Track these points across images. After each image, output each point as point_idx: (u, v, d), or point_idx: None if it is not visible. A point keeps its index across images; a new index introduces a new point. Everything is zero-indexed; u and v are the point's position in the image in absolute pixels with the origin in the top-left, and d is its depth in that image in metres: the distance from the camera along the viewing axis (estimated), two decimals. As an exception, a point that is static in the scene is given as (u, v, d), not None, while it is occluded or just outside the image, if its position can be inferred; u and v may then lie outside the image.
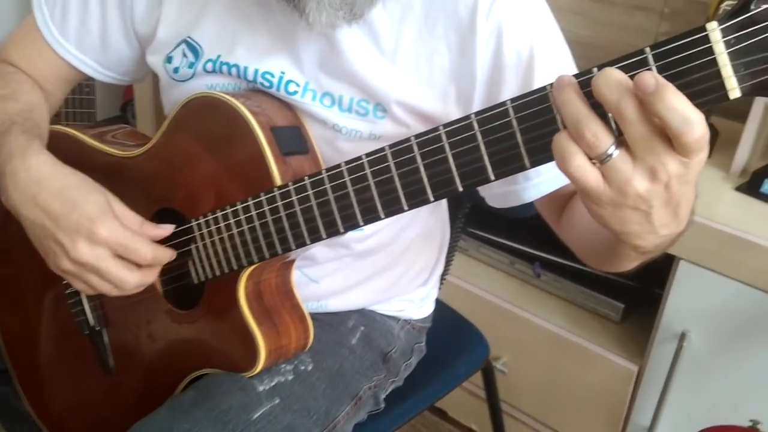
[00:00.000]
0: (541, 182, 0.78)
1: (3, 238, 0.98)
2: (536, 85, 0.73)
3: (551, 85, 0.55)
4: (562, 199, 0.80)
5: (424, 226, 0.97)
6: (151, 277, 0.79)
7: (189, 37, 0.83)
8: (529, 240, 1.52)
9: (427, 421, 1.68)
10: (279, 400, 0.80)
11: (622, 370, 1.35)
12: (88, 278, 0.76)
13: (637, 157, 0.50)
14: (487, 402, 1.31)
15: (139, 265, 0.77)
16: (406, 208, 0.65)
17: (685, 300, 1.23)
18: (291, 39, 0.79)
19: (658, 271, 1.26)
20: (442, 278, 1.26)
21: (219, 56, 0.81)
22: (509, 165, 0.59)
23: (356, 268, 0.93)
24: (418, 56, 0.77)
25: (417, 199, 0.64)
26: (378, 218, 0.67)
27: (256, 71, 0.80)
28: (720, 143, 1.40)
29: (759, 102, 1.25)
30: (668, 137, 0.49)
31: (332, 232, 0.70)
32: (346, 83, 0.78)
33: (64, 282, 0.87)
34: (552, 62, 0.75)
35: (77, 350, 0.93)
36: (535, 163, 0.58)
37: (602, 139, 0.51)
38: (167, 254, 0.79)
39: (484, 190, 0.85)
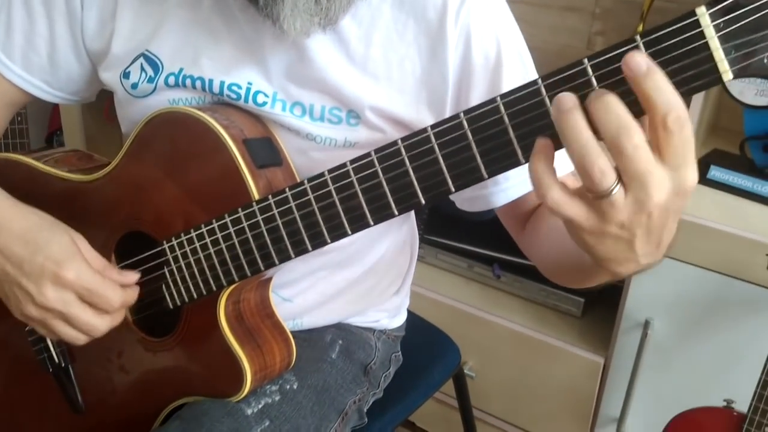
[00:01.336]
0: (509, 187, 0.78)
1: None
2: (504, 88, 0.74)
3: (541, 79, 0.55)
4: (526, 210, 0.80)
5: (397, 236, 0.96)
6: (118, 319, 0.76)
7: (147, 50, 0.79)
8: (487, 242, 1.52)
9: (396, 432, 1.66)
10: (269, 422, 0.77)
11: (588, 363, 1.37)
12: (53, 324, 0.73)
13: (629, 189, 0.49)
14: (459, 407, 1.30)
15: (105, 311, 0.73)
16: (396, 213, 0.64)
17: (646, 288, 1.25)
18: (257, 49, 0.76)
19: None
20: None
21: (181, 69, 0.78)
22: (502, 162, 0.59)
23: (330, 283, 0.91)
24: (389, 62, 0.76)
25: (407, 204, 0.63)
26: (367, 225, 0.65)
27: (222, 83, 0.77)
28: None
29: (698, 96, 1.29)
30: (657, 176, 0.48)
31: (318, 243, 0.68)
32: (316, 92, 0.76)
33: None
34: (517, 64, 0.76)
35: (41, 392, 0.88)
36: (529, 158, 0.57)
37: (609, 175, 0.48)
38: (133, 296, 0.76)
39: (455, 195, 0.84)
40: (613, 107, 0.48)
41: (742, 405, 1.01)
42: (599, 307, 1.45)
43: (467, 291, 1.54)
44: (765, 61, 0.51)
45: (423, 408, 1.60)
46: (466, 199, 0.83)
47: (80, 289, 0.71)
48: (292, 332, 0.87)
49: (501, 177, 0.77)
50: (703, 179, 1.29)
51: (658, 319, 1.25)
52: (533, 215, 0.80)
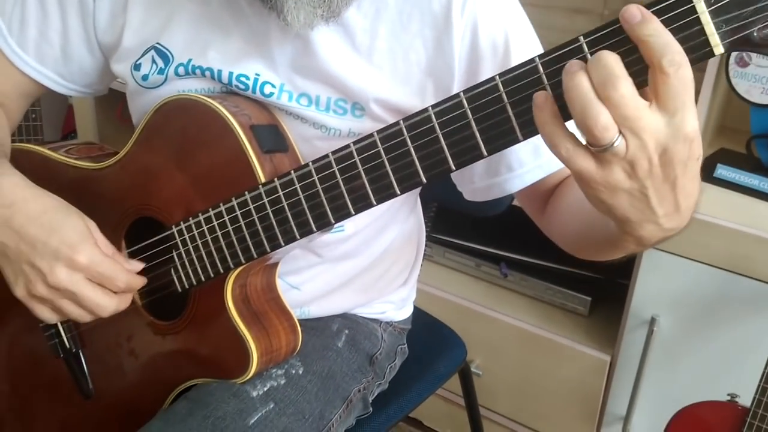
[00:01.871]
0: (525, 172, 0.79)
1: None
2: None
3: (538, 57, 0.56)
4: (545, 191, 0.81)
5: (403, 227, 0.97)
6: (125, 302, 0.77)
7: (158, 43, 0.81)
8: (494, 241, 1.53)
9: (402, 431, 1.67)
10: (273, 404, 0.78)
11: (595, 361, 1.37)
12: (60, 304, 0.74)
13: (626, 138, 0.50)
14: (465, 405, 1.31)
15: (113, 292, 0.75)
16: (398, 192, 0.65)
17: (652, 286, 1.26)
18: (264, 41, 0.78)
19: (623, 263, 1.29)
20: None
21: (190, 60, 0.80)
22: (502, 139, 0.60)
23: (337, 272, 0.92)
24: (394, 54, 0.77)
25: (408, 182, 0.64)
26: (370, 205, 0.67)
27: (231, 74, 0.79)
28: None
29: (704, 94, 1.30)
30: (649, 120, 0.50)
31: (323, 223, 0.69)
32: (321, 84, 0.78)
33: None
34: (526, 49, 0.77)
35: (52, 378, 0.89)
36: (527, 135, 0.59)
37: (610, 129, 0.50)
38: (140, 281, 0.78)
39: (463, 185, 0.86)
40: (603, 60, 0.50)
41: (747, 400, 1.01)
42: (606, 305, 1.45)
43: (475, 289, 1.54)
44: (755, 34, 0.53)
45: (430, 406, 1.61)
46: (479, 189, 0.83)
47: (91, 272, 0.72)
48: (299, 320, 0.88)
49: (516, 163, 0.79)
50: (710, 178, 1.29)
51: (663, 317, 1.26)
52: (553, 195, 0.80)
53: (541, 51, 0.80)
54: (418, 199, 1.03)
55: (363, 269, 0.93)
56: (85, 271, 0.73)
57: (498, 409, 1.54)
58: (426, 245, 1.56)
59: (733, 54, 1.24)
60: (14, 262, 0.74)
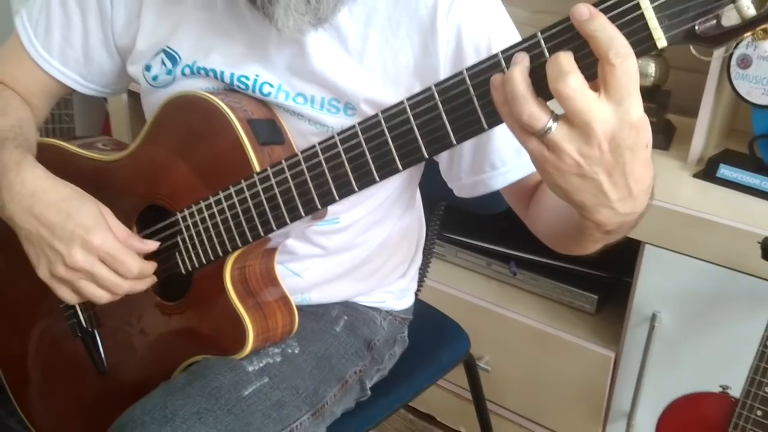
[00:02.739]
0: (507, 171, 0.84)
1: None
2: None
3: (502, 52, 0.61)
4: (528, 189, 0.85)
5: (399, 222, 1.02)
6: (142, 286, 0.83)
7: (167, 46, 0.88)
8: (504, 240, 1.57)
9: (416, 426, 1.71)
10: (268, 379, 0.83)
11: (600, 357, 1.40)
12: (78, 284, 0.80)
13: (574, 126, 0.55)
14: (472, 398, 1.34)
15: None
16: (377, 179, 0.70)
17: (653, 282, 1.28)
18: (264, 45, 0.84)
19: (629, 262, 1.32)
20: (422, 281, 1.31)
21: (195, 62, 0.86)
22: (469, 128, 0.65)
23: (336, 262, 0.97)
24: (384, 57, 0.82)
25: (386, 169, 0.69)
26: (352, 191, 0.72)
27: (232, 75, 0.85)
28: (677, 137, 1.48)
29: (708, 97, 1.33)
30: (597, 111, 0.54)
31: (310, 208, 0.75)
32: (316, 85, 0.84)
33: None
34: None
35: (70, 356, 0.96)
36: (491, 124, 0.63)
37: (539, 119, 0.55)
38: (150, 267, 0.84)
39: (452, 182, 0.91)
40: (556, 59, 0.55)
41: (739, 391, 1.03)
42: (612, 303, 1.48)
43: (485, 288, 1.58)
44: (696, 28, 0.57)
45: (442, 403, 1.65)
46: (466, 186, 0.88)
47: (104, 254, 0.78)
48: (300, 306, 0.94)
49: (498, 161, 0.84)
50: (713, 178, 1.31)
51: (665, 313, 1.28)
52: (535, 193, 0.85)
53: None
54: (417, 197, 1.07)
55: (360, 260, 0.98)
56: (97, 252, 0.78)
57: (506, 405, 1.57)
58: (438, 244, 1.62)
59: (735, 55, 1.26)
60: (37, 246, 0.80)
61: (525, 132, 0.57)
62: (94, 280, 0.80)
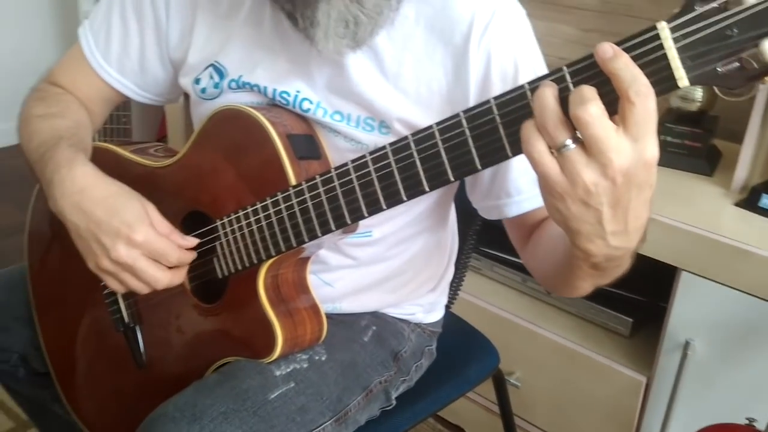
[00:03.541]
0: (522, 200, 0.87)
1: (46, 249, 1.08)
2: None
3: (529, 83, 0.63)
4: (532, 224, 0.88)
5: (431, 237, 1.04)
6: (179, 277, 0.87)
7: (216, 61, 0.92)
8: (540, 258, 1.57)
9: (445, 437, 1.72)
10: (294, 384, 0.87)
11: (632, 381, 1.39)
12: (123, 277, 0.85)
13: (591, 154, 0.57)
14: (500, 413, 1.35)
15: (167, 267, 0.86)
16: (405, 198, 0.73)
17: (688, 309, 1.27)
18: (306, 63, 0.88)
19: (666, 287, 1.31)
20: (456, 294, 1.33)
21: (241, 76, 0.90)
22: (494, 155, 0.67)
23: (366, 273, 1.00)
24: (418, 80, 0.86)
25: (414, 190, 0.72)
26: (380, 209, 0.75)
27: (275, 90, 0.89)
28: (722, 163, 1.47)
29: (754, 124, 1.31)
30: (616, 142, 0.56)
31: (340, 223, 0.78)
32: (353, 103, 0.87)
33: (102, 283, 0.95)
34: (532, 77, 0.83)
35: (112, 348, 1.01)
36: (515, 152, 0.65)
37: (562, 131, 0.58)
38: (189, 257, 0.88)
39: (475, 203, 0.94)
40: (579, 89, 0.57)
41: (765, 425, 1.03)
42: (647, 327, 1.47)
43: (519, 304, 1.59)
44: (718, 69, 0.58)
45: (473, 415, 1.66)
46: (483, 209, 0.93)
47: (146, 248, 0.83)
48: (331, 314, 0.97)
49: (514, 190, 0.87)
50: (754, 207, 1.30)
51: (699, 341, 1.27)
52: (537, 229, 0.87)
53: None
54: (451, 212, 1.10)
55: (391, 273, 1.01)
56: (141, 247, 0.83)
57: (535, 422, 1.58)
58: (475, 258, 1.63)
59: (783, 85, 1.25)
60: (85, 240, 0.85)
61: (543, 152, 0.59)
62: (135, 274, 0.84)
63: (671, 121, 1.42)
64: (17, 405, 1.22)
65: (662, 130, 1.41)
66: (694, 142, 1.41)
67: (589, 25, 1.79)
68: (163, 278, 0.85)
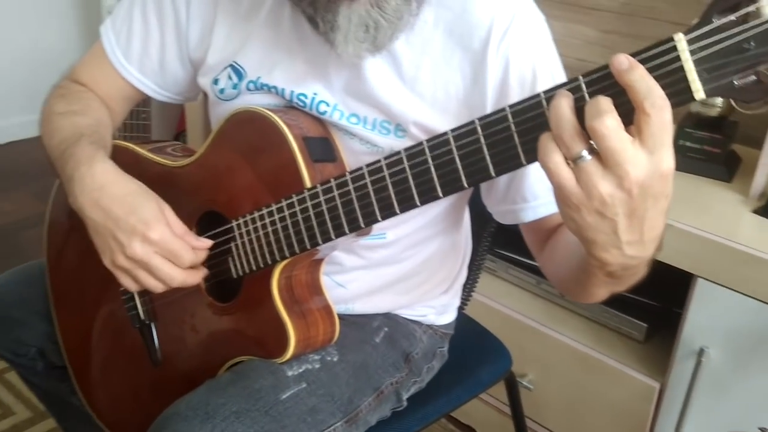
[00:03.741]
0: (538, 205, 0.87)
1: (64, 244, 1.10)
2: None
3: (544, 92, 0.63)
4: (549, 229, 0.88)
5: (445, 240, 1.04)
6: (194, 278, 0.88)
7: (234, 61, 0.93)
8: (555, 261, 1.57)
9: (456, 437, 1.73)
10: (306, 384, 0.88)
11: (645, 387, 1.39)
12: (137, 274, 0.85)
13: (607, 166, 0.57)
14: (511, 415, 1.35)
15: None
16: (418, 203, 0.73)
17: (703, 317, 1.26)
18: (324, 65, 0.88)
19: (680, 292, 1.31)
20: (469, 295, 1.33)
21: (259, 77, 0.91)
22: (508, 163, 0.67)
23: (380, 275, 1.01)
24: (436, 85, 0.86)
25: (427, 196, 0.72)
26: (394, 213, 0.75)
27: (292, 92, 0.89)
28: (742, 169, 1.45)
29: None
30: (632, 154, 0.56)
31: (354, 227, 0.78)
32: (369, 106, 0.88)
33: None
34: (550, 83, 0.83)
35: (128, 344, 1.03)
36: (530, 161, 0.66)
37: (578, 142, 0.58)
38: (202, 256, 0.88)
39: (490, 207, 0.94)
40: (595, 100, 0.57)
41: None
42: (662, 333, 1.46)
43: (533, 306, 1.59)
44: (735, 82, 0.58)
45: (484, 416, 1.66)
46: (498, 213, 0.93)
47: (162, 246, 0.83)
48: (343, 315, 0.98)
49: (530, 195, 0.87)
50: (774, 216, 1.29)
51: (713, 348, 1.26)
52: (554, 233, 0.87)
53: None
54: (466, 215, 1.10)
55: (404, 275, 1.02)
56: (156, 245, 0.83)
57: (547, 424, 1.57)
58: (490, 259, 1.63)
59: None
60: (102, 236, 0.86)
61: (559, 163, 0.59)
62: (150, 271, 0.85)
63: (690, 125, 1.41)
64: (35, 396, 1.24)
65: (681, 134, 1.40)
66: (714, 147, 1.40)
67: (608, 26, 1.78)
68: (178, 276, 0.85)
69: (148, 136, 1.65)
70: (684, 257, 1.25)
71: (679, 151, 1.40)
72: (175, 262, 0.84)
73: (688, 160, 1.41)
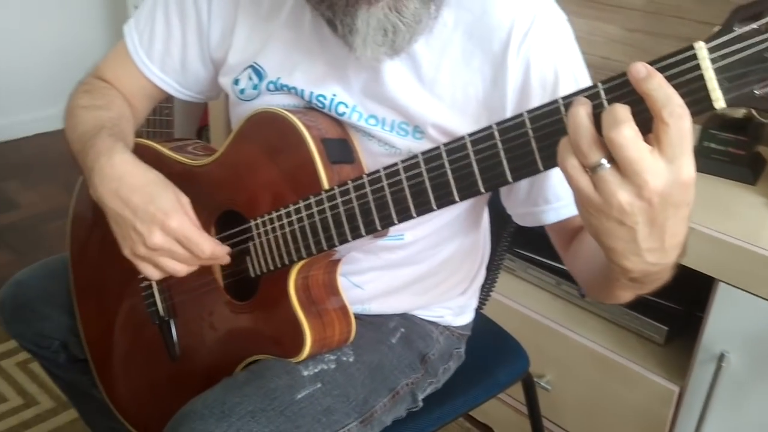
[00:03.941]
0: (560, 206, 0.86)
1: (87, 237, 1.11)
2: None
3: (563, 99, 0.63)
4: (573, 229, 0.87)
5: (463, 241, 1.04)
6: (222, 249, 0.86)
7: (255, 62, 0.94)
8: (575, 262, 1.56)
9: (474, 436, 1.73)
10: (321, 384, 0.88)
11: (664, 390, 1.38)
12: (158, 260, 0.85)
13: (626, 175, 0.57)
14: (529, 416, 1.35)
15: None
16: (434, 207, 0.73)
17: (724, 321, 1.25)
18: (343, 67, 0.89)
19: (701, 296, 1.29)
20: (488, 295, 1.33)
21: (279, 78, 0.92)
22: (525, 169, 0.67)
23: (397, 276, 1.01)
24: (455, 86, 0.86)
25: (443, 200, 0.72)
26: (410, 217, 0.75)
27: (312, 93, 0.90)
28: (767, 171, 1.43)
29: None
30: (650, 163, 0.56)
31: (371, 229, 0.79)
32: (388, 108, 0.88)
33: (140, 276, 0.98)
34: (572, 87, 0.83)
35: (147, 340, 1.04)
36: (547, 167, 0.65)
37: (596, 151, 0.57)
38: (223, 251, 0.87)
39: (510, 209, 0.94)
40: (612, 109, 0.57)
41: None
42: (682, 337, 1.45)
43: (552, 307, 1.58)
44: (756, 92, 0.57)
45: (502, 416, 1.66)
46: (519, 215, 0.92)
47: (181, 236, 0.84)
48: (360, 315, 0.98)
49: (552, 197, 0.86)
50: (797, 220, 1.27)
51: (733, 353, 1.25)
52: (579, 233, 0.87)
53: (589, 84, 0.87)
54: (485, 216, 1.09)
55: (421, 276, 1.02)
56: (175, 234, 0.83)
57: (564, 425, 1.57)
58: (509, 258, 1.62)
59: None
60: (122, 227, 0.87)
61: (578, 169, 0.58)
62: (172, 256, 0.85)
63: (715, 127, 1.39)
64: (58, 388, 1.27)
65: (705, 136, 1.39)
66: (738, 149, 1.37)
67: (633, 24, 1.75)
68: (207, 248, 0.84)
69: (171, 132, 1.66)
70: (706, 261, 1.23)
71: (703, 152, 1.38)
72: (195, 251, 0.84)
73: (712, 162, 1.39)
